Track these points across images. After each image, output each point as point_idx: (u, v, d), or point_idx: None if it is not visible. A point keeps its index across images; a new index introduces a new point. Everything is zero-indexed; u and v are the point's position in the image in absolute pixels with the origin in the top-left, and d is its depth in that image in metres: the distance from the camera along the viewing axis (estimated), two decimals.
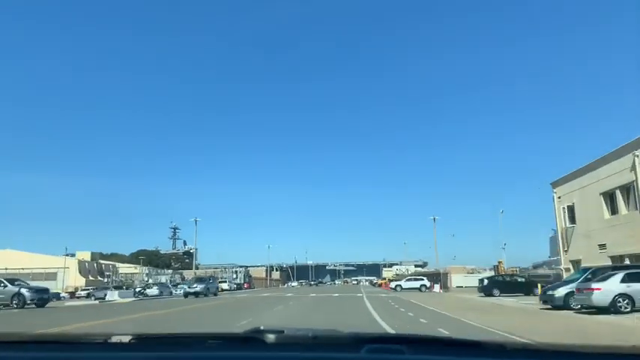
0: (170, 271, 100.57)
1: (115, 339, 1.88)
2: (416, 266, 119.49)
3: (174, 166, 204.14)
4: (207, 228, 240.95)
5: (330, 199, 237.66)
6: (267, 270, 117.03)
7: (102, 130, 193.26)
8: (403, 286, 51.47)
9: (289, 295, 45.22)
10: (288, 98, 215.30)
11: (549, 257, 48.56)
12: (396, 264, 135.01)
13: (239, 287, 74.88)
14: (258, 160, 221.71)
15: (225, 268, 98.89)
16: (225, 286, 64.09)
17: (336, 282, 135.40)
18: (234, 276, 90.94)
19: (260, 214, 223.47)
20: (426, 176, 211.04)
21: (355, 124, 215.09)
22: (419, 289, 50.40)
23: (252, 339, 1.79)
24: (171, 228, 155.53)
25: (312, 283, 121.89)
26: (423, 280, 53.27)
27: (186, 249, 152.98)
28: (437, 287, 49.99)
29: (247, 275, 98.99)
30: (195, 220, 77.87)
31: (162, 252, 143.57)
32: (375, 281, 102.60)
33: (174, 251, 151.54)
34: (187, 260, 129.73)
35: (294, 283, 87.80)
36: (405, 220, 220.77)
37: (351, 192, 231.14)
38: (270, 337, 1.75)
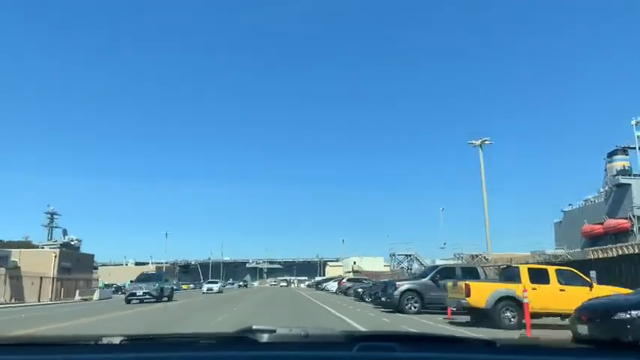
0: None
1: (106, 340, 1.81)
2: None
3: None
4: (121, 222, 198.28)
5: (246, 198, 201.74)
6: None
7: None
8: None
9: None
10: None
11: None
12: (335, 260, 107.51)
13: None
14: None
15: None
16: None
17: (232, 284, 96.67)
18: None
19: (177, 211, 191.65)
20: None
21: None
22: None
23: (244, 338, 1.75)
24: (48, 213, 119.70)
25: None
26: None
27: (66, 240, 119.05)
28: None
29: None
30: None
31: (32, 242, 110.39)
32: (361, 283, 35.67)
33: (51, 242, 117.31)
34: None
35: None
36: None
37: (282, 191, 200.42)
38: (263, 337, 1.72)
